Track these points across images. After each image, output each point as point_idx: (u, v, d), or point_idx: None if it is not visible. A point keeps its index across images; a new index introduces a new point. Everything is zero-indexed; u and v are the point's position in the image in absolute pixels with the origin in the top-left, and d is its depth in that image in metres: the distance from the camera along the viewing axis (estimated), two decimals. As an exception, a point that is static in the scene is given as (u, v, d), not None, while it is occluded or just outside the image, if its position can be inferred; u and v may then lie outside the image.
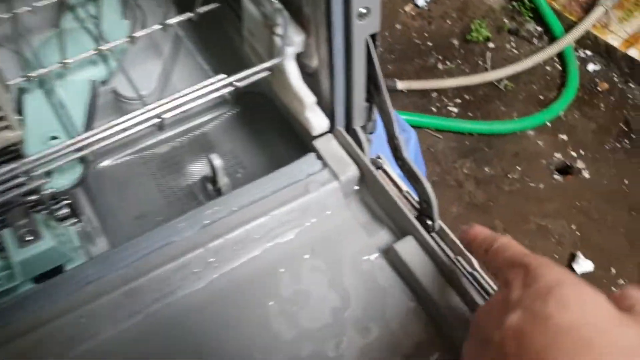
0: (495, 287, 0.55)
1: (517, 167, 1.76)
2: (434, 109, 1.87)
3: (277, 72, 0.62)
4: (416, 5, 2.10)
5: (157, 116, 0.58)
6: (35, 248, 0.55)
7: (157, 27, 0.66)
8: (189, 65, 0.75)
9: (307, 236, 0.58)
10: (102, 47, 0.65)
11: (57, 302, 0.51)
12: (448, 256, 0.56)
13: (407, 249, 0.55)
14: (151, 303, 0.53)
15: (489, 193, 1.70)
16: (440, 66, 1.98)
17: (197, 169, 0.72)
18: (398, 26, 2.07)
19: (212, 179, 0.65)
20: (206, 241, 0.56)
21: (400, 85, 1.87)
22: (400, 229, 0.58)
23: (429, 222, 0.59)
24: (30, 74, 0.62)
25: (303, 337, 0.52)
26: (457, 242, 0.58)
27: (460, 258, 0.57)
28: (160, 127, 0.59)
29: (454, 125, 1.80)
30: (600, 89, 1.93)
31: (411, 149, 0.87)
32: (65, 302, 0.51)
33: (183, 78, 0.75)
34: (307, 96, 0.61)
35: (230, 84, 0.61)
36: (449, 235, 0.59)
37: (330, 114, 0.61)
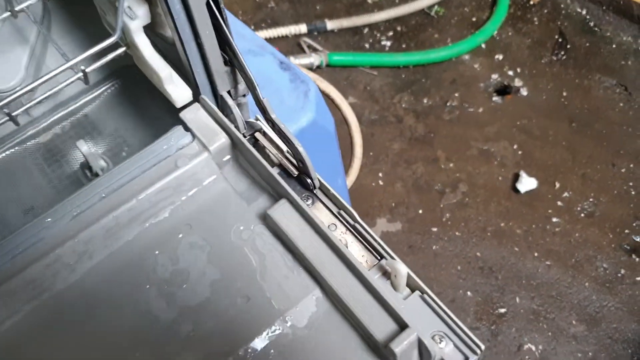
0: (373, 234, 0.55)
1: (455, 94, 1.75)
2: (367, 46, 1.84)
3: (133, 47, 0.60)
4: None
5: (8, 114, 0.56)
6: None
7: (6, 14, 0.62)
8: (52, 52, 0.72)
9: (183, 213, 0.57)
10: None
11: None
12: (331, 211, 0.56)
13: (281, 212, 0.55)
14: (27, 302, 0.53)
15: (429, 125, 1.70)
16: (369, 0, 1.94)
17: (81, 155, 0.70)
18: (322, -36, 2.01)
19: (89, 165, 0.64)
20: (76, 232, 0.55)
21: (330, 25, 1.83)
22: (277, 193, 0.57)
23: (309, 181, 0.58)
24: None
25: (184, 315, 0.52)
26: (339, 196, 0.58)
27: (342, 212, 0.57)
28: (16, 123, 0.57)
29: (389, 60, 1.78)
30: (532, 2, 1.90)
31: (311, 100, 0.85)
32: None
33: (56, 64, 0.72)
34: (162, 69, 0.59)
35: (82, 71, 0.58)
36: (330, 190, 0.58)
37: (192, 84, 0.59)
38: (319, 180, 0.59)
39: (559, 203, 1.56)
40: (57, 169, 0.70)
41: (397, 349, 0.46)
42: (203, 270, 0.54)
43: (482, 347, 0.50)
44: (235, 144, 0.59)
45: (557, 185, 1.59)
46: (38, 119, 0.72)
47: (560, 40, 1.83)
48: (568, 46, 1.82)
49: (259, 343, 0.50)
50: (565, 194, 1.57)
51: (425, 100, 1.74)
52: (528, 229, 1.52)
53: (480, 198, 1.57)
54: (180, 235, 0.56)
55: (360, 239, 0.56)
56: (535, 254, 1.48)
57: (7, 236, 0.59)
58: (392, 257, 0.54)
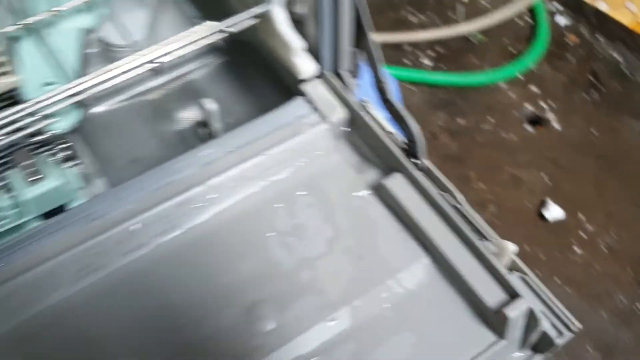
0: (477, 216, 0.59)
1: (490, 119, 1.80)
2: (407, 62, 1.90)
3: (266, 19, 0.64)
4: (390, -41, 2.10)
5: (151, 61, 0.60)
6: (42, 187, 0.57)
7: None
8: (175, 14, 0.76)
9: (300, 175, 0.61)
10: (90, -5, 0.66)
11: (64, 237, 0.54)
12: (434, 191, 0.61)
13: (396, 184, 0.59)
14: (156, 236, 0.56)
15: (463, 144, 1.75)
16: (413, 19, 2.00)
17: (188, 115, 0.74)
18: (372, -20, 2.07)
19: (204, 123, 0.68)
20: (205, 179, 0.59)
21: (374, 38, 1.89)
22: (389, 167, 0.62)
23: (416, 161, 0.62)
24: (21, 22, 0.63)
25: (303, 265, 0.56)
26: (442, 178, 0.62)
27: (445, 194, 0.62)
28: (158, 71, 0.61)
29: (428, 78, 1.83)
30: (569, 42, 1.97)
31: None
32: (72, 237, 0.54)
33: (170, 27, 0.76)
34: (295, 41, 0.63)
35: (221, 31, 0.63)
36: (433, 172, 0.63)
37: (317, 58, 0.64)
38: (426, 162, 0.63)
39: (583, 235, 1.61)
40: (162, 125, 0.74)
41: (512, 314, 0.50)
42: (319, 227, 0.58)
43: (579, 325, 0.54)
44: (354, 118, 0.63)
45: (582, 217, 1.64)
46: (149, 77, 0.76)
47: (594, 81, 1.90)
48: (601, 88, 1.89)
49: (373, 296, 0.54)
50: (589, 227, 1.63)
51: (460, 121, 1.79)
52: (551, 256, 1.56)
53: (508, 220, 1.61)
54: (298, 194, 0.60)
55: (462, 218, 0.60)
56: (557, 280, 1.52)
57: (117, 181, 0.63)
58: (495, 239, 0.58)
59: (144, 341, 0.51)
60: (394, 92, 0.91)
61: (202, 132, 0.69)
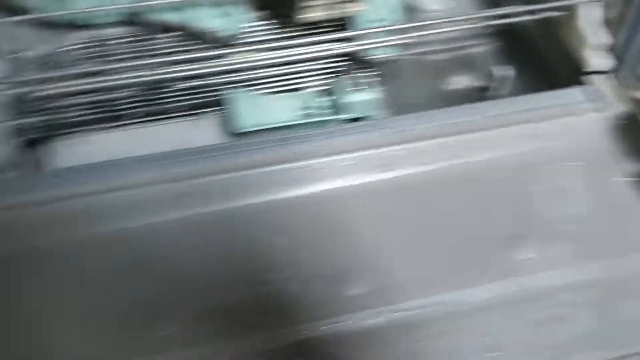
0: None
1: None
2: None
3: (572, 12, 0.74)
4: None
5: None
6: (360, 96, 0.71)
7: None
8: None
9: (571, 148, 0.70)
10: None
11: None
12: None
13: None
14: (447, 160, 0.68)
15: None
16: None
17: (462, 80, 0.85)
18: None
19: (487, 87, 0.79)
20: (489, 126, 0.69)
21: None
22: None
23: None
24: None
25: (560, 220, 0.65)
26: None
27: None
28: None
29: None
30: None
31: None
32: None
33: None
34: (594, 37, 0.73)
35: (528, 12, 0.74)
36: None
37: (619, 57, 0.73)
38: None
39: None
40: (447, 83, 0.85)
41: None
42: (580, 194, 0.67)
43: None
44: (635, 114, 0.71)
45: None
46: (434, 42, 0.88)
47: None
48: None
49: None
50: None
51: None
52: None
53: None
54: (569, 164, 0.69)
55: None
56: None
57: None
58: None
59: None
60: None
61: (478, 96, 0.80)
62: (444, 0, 0.86)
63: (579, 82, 0.74)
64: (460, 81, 0.85)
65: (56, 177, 0.62)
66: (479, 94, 0.81)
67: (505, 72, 0.76)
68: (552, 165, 0.69)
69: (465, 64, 0.87)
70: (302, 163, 0.65)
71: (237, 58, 0.70)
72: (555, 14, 0.76)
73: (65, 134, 0.71)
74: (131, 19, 0.77)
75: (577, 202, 0.66)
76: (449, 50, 0.87)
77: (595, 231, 0.65)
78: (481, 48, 0.89)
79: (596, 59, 0.73)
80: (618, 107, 0.72)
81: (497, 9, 0.78)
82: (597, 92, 0.73)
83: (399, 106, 0.82)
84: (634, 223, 0.66)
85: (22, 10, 0.73)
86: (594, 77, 0.74)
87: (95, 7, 0.71)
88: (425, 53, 0.87)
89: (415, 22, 0.76)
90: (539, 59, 0.84)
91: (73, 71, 0.69)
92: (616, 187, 0.68)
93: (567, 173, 0.69)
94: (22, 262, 0.58)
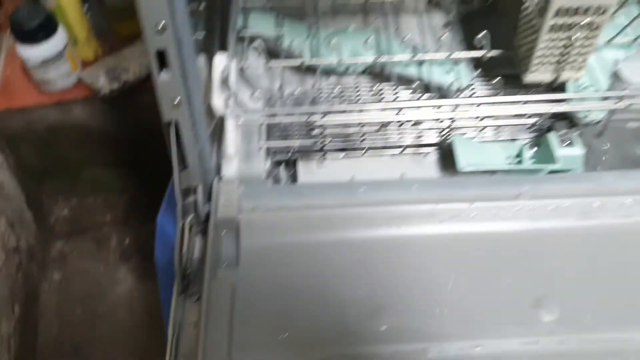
0: None
1: None
2: None
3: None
4: None
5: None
6: (571, 150, 0.80)
7: None
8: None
9: None
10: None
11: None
12: None
13: None
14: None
15: None
16: None
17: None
18: None
19: None
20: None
21: None
22: None
23: None
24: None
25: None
26: None
27: None
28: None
29: None
30: None
31: None
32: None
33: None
34: None
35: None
36: None
37: None
38: None
39: None
40: None
41: None
42: None
43: None
44: None
45: None
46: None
47: None
48: None
49: None
50: None
51: None
52: None
53: None
54: None
55: None
56: None
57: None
58: None
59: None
60: None
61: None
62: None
63: None
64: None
65: (305, 189, 0.79)
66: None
67: None
68: None
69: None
70: (512, 203, 0.75)
71: (460, 109, 0.82)
72: None
73: (313, 158, 0.88)
74: (374, 70, 0.93)
75: None
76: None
77: None
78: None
79: None
80: None
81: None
82: None
83: (601, 165, 0.89)
84: None
85: (288, 56, 0.92)
86: None
87: (347, 60, 0.88)
88: (631, 120, 0.94)
89: (623, 91, 0.83)
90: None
91: (321, 108, 0.85)
92: None
93: None
94: (279, 251, 0.74)
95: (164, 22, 0.54)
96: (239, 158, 0.83)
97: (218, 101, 0.73)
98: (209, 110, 0.77)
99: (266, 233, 0.75)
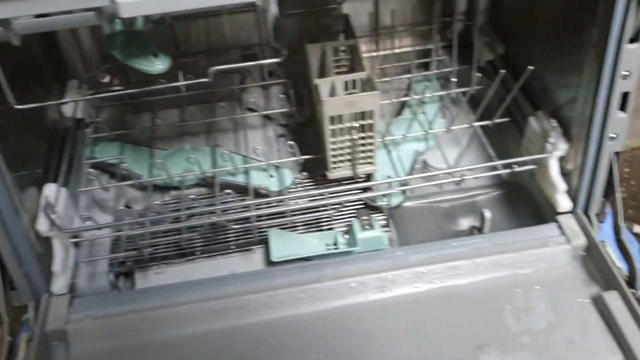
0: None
1: None
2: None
3: (542, 166, 0.93)
4: (673, 163, 2.22)
5: (455, 176, 0.92)
6: (371, 233, 0.92)
7: (466, 125, 1.02)
8: (477, 154, 1.09)
9: (539, 274, 0.85)
10: (428, 131, 1.03)
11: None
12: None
13: (612, 299, 0.79)
14: (439, 279, 0.85)
15: None
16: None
17: (465, 222, 1.04)
18: (649, 178, 2.21)
19: (479, 227, 0.97)
20: (472, 256, 0.87)
21: (637, 228, 2.00)
22: (610, 288, 0.82)
23: (633, 290, 0.82)
24: (384, 138, 1.02)
25: (523, 332, 0.79)
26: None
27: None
28: (458, 184, 0.93)
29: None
30: None
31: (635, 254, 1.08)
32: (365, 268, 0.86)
33: (471, 160, 1.09)
34: (561, 184, 0.90)
35: (509, 165, 0.93)
36: (646, 304, 0.81)
37: (574, 200, 0.89)
38: (641, 294, 0.82)
39: None
40: (447, 225, 1.05)
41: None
42: (544, 312, 0.81)
43: None
44: (591, 247, 0.86)
45: None
46: (446, 192, 1.09)
47: None
48: None
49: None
50: None
51: None
52: None
53: None
54: (535, 287, 0.84)
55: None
56: None
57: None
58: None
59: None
60: (634, 249, 1.10)
61: (475, 233, 0.98)
62: (450, 159, 1.07)
63: (554, 220, 0.91)
64: (464, 223, 1.04)
65: (131, 295, 0.88)
66: (477, 232, 0.98)
67: (488, 214, 0.94)
68: (523, 288, 0.84)
69: (468, 209, 1.06)
70: (316, 285, 0.85)
71: (280, 206, 0.94)
72: (532, 167, 0.94)
73: (151, 266, 0.97)
74: (208, 182, 1.05)
75: (539, 318, 0.80)
76: (454, 199, 1.07)
77: (552, 343, 0.78)
78: (485, 196, 1.08)
79: (563, 201, 0.90)
80: (578, 241, 0.87)
81: (484, 164, 0.98)
82: (566, 228, 0.88)
83: (409, 243, 1.01)
84: (588, 336, 0.78)
85: (131, 177, 1.03)
86: (563, 216, 0.90)
87: (181, 174, 1.00)
88: (436, 202, 1.07)
89: (411, 176, 0.97)
90: (532, 202, 1.02)
91: (159, 223, 0.95)
92: (574, 307, 0.81)
93: (535, 295, 0.83)
94: (110, 356, 0.81)
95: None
96: (80, 272, 0.92)
97: (42, 225, 0.83)
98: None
99: (95, 340, 0.82)
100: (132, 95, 1.15)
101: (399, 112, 1.17)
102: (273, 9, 0.66)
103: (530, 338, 0.79)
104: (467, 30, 1.19)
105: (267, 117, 1.18)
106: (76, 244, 0.94)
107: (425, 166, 1.09)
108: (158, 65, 0.77)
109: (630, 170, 2.23)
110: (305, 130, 1.13)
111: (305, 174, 1.07)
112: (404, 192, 1.00)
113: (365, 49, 1.18)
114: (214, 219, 0.90)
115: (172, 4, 0.56)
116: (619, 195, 0.86)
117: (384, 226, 0.99)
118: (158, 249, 0.98)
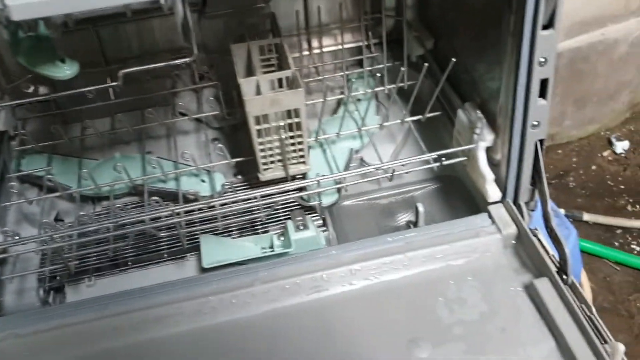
0: (607, 331, 0.76)
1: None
2: (616, 244, 1.99)
3: (472, 157, 0.93)
4: (614, 152, 2.28)
5: (388, 172, 0.92)
6: (305, 234, 0.91)
7: (398, 121, 1.02)
8: (413, 149, 1.09)
9: (472, 265, 0.85)
10: (362, 128, 1.03)
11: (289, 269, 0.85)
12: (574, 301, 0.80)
13: (543, 286, 0.80)
14: (359, 281, 0.84)
15: (661, 330, 1.75)
16: (629, 208, 2.10)
17: (404, 217, 1.03)
18: (594, 167, 2.26)
19: (414, 222, 0.96)
20: (404, 251, 0.86)
21: (587, 217, 2.04)
22: (541, 275, 0.83)
23: (564, 277, 0.82)
24: (317, 137, 1.01)
25: (456, 323, 0.79)
26: (584, 294, 0.81)
27: (583, 305, 0.80)
28: (390, 179, 0.93)
29: (635, 262, 1.90)
30: None
31: (570, 243, 1.09)
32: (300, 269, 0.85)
33: (408, 157, 1.09)
34: (489, 174, 0.91)
35: (439, 158, 0.93)
36: (577, 288, 0.82)
37: (503, 190, 0.90)
38: (572, 280, 0.83)
39: None
40: (385, 221, 1.04)
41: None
42: (477, 303, 0.81)
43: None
44: (522, 235, 0.86)
45: None
46: (383, 189, 1.08)
47: None
48: None
49: (506, 357, 0.75)
50: None
51: (662, 308, 1.81)
52: None
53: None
54: (468, 278, 0.84)
55: (593, 327, 0.77)
56: None
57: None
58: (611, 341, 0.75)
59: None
60: (572, 240, 1.11)
61: (411, 227, 0.98)
62: (385, 157, 1.07)
63: (486, 210, 0.91)
64: (401, 219, 1.04)
65: (70, 308, 0.84)
66: (412, 227, 0.98)
67: (421, 207, 0.94)
68: (455, 280, 0.84)
69: (406, 204, 1.06)
70: (249, 290, 0.84)
71: (212, 211, 0.92)
72: (463, 158, 0.95)
73: (82, 279, 0.94)
74: (140, 190, 1.02)
75: (472, 309, 0.80)
76: (392, 195, 1.07)
77: (485, 332, 0.78)
78: (422, 190, 1.08)
79: (492, 191, 0.90)
80: (509, 230, 0.87)
81: (418, 156, 0.98)
82: (496, 217, 0.89)
83: (348, 241, 1.00)
84: (520, 324, 0.78)
85: (61, 188, 1.00)
86: (494, 206, 0.90)
87: (109, 183, 0.97)
88: (374, 199, 1.07)
89: (341, 174, 0.97)
90: (467, 194, 1.02)
91: (90, 233, 0.92)
92: (507, 296, 0.81)
93: (468, 286, 0.83)
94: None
95: None
96: (6, 290, 0.89)
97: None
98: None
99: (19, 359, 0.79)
100: (60, 106, 1.12)
101: (335, 111, 1.17)
102: (179, 8, 0.64)
103: (463, 329, 0.78)
104: (398, 26, 1.19)
105: (200, 121, 1.16)
106: (1, 261, 0.91)
107: (362, 164, 1.08)
108: (67, 70, 0.74)
109: (578, 159, 2.28)
110: (239, 133, 1.12)
111: (240, 177, 1.06)
112: (338, 190, 0.99)
113: (299, 48, 1.17)
114: (139, 227, 0.88)
115: (66, 6, 0.54)
116: (545, 182, 0.87)
117: (320, 226, 0.98)
118: (89, 261, 0.95)
